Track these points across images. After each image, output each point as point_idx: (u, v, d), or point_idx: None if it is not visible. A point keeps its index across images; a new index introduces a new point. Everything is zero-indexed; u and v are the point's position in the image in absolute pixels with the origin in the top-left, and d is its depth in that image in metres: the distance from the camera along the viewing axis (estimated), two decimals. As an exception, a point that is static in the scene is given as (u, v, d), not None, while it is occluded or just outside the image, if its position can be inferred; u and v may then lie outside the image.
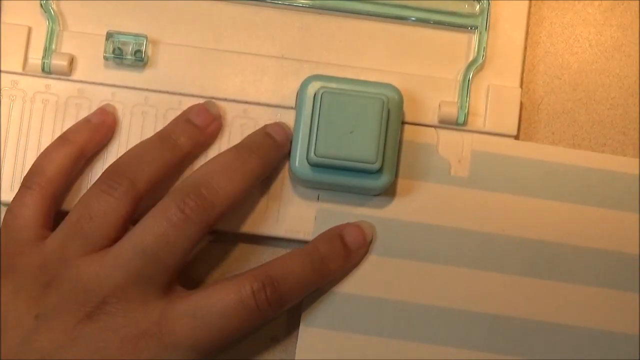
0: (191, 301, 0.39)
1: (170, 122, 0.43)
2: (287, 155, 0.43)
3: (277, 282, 0.40)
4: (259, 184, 0.43)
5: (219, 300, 0.39)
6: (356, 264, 0.43)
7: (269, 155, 0.42)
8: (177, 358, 0.39)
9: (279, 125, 0.43)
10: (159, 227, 0.39)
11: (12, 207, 0.41)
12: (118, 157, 0.43)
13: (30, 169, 0.42)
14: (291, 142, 0.43)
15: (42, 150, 0.43)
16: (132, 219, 0.40)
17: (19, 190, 0.41)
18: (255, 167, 0.41)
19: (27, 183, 0.41)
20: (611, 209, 0.44)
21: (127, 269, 0.38)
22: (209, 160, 0.42)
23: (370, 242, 0.43)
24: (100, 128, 0.43)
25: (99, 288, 0.38)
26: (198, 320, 0.39)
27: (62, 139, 0.42)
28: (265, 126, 0.43)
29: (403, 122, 0.44)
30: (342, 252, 0.42)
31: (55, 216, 0.42)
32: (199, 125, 0.43)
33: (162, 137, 0.42)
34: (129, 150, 0.42)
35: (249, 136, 0.43)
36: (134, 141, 0.43)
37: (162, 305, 0.39)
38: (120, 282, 0.38)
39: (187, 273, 0.44)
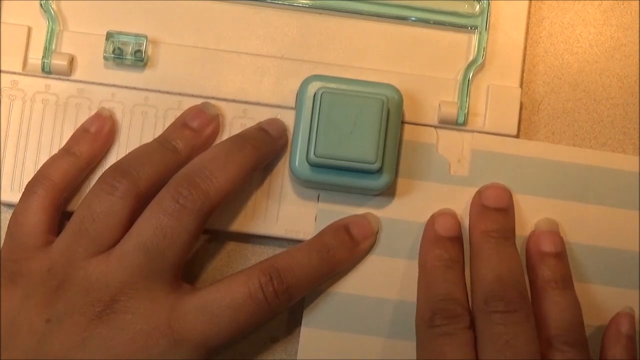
0: (200, 297, 0.39)
1: (168, 127, 0.43)
2: (283, 149, 0.44)
3: (284, 274, 0.40)
4: (256, 182, 0.43)
5: (227, 295, 0.39)
6: (363, 255, 0.43)
7: (262, 146, 0.42)
8: (187, 354, 0.39)
9: (273, 120, 0.44)
10: (156, 220, 0.39)
11: (16, 213, 0.41)
12: (118, 157, 0.43)
13: (35, 175, 0.42)
14: (286, 136, 0.43)
15: (41, 151, 0.43)
16: (135, 218, 0.40)
17: (23, 194, 0.41)
18: (249, 156, 0.41)
19: (32, 188, 0.41)
20: (611, 207, 0.44)
21: (132, 266, 0.39)
22: (203, 152, 0.42)
23: (377, 232, 0.43)
24: (98, 136, 0.43)
25: (107, 287, 0.39)
26: (207, 315, 0.39)
27: (66, 151, 0.42)
28: (260, 122, 0.44)
29: (403, 122, 0.44)
30: (349, 243, 0.42)
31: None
32: (196, 128, 0.43)
33: (161, 142, 0.42)
34: (129, 153, 0.42)
35: (244, 130, 0.43)
36: (134, 141, 0.43)
37: (170, 302, 0.39)
38: (126, 279, 0.39)
39: (188, 273, 0.44)
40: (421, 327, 0.41)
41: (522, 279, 0.41)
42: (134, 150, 0.42)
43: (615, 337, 0.42)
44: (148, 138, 0.43)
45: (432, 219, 0.43)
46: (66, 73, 0.44)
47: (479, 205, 0.43)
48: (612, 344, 0.42)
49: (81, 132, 0.43)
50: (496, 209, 0.43)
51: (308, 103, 0.42)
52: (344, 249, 0.42)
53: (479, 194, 0.43)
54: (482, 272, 0.41)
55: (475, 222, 0.43)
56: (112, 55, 0.43)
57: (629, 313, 0.43)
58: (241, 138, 0.42)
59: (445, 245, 0.42)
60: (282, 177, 0.44)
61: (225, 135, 0.44)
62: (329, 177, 0.42)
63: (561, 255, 0.43)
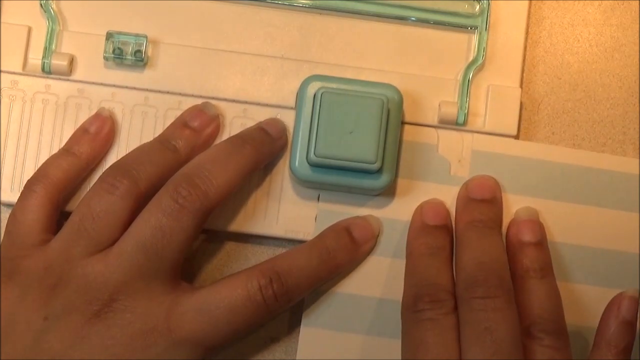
0: (198, 297, 0.39)
1: (168, 127, 0.43)
2: (282, 150, 0.44)
3: (284, 277, 0.40)
4: (256, 182, 0.43)
5: (226, 296, 0.39)
6: (364, 258, 0.43)
7: (262, 146, 0.42)
8: (185, 354, 0.39)
9: (273, 120, 0.44)
10: (155, 220, 0.39)
11: (15, 210, 0.41)
12: (118, 157, 0.43)
13: (35, 174, 0.42)
14: (286, 136, 0.43)
15: (42, 151, 0.43)
16: (134, 217, 0.40)
17: (22, 192, 0.41)
18: (249, 157, 0.41)
19: (31, 186, 0.41)
20: (611, 209, 0.44)
21: (130, 264, 0.39)
22: (203, 152, 0.42)
23: (378, 235, 0.43)
24: (98, 136, 0.43)
25: (105, 286, 0.38)
26: (205, 316, 0.39)
27: (66, 151, 0.42)
28: (260, 122, 0.44)
29: (403, 122, 0.44)
30: (350, 246, 0.42)
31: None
32: (196, 128, 0.43)
33: (161, 141, 0.42)
34: (129, 152, 0.42)
35: (243, 130, 0.43)
36: (134, 141, 0.43)
37: (169, 301, 0.39)
38: (125, 278, 0.39)
39: (188, 272, 0.44)
40: (405, 313, 0.41)
41: (504, 266, 0.41)
42: (134, 150, 0.42)
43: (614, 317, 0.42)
44: (148, 138, 0.43)
45: (420, 208, 0.43)
46: (66, 73, 0.44)
47: (465, 198, 0.43)
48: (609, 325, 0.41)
49: (81, 132, 0.43)
50: (481, 200, 0.43)
51: (308, 103, 0.42)
52: (345, 251, 0.42)
53: (465, 186, 0.43)
54: (463, 260, 0.41)
55: (460, 214, 0.43)
56: (112, 55, 0.43)
57: (633, 296, 0.42)
58: (241, 138, 0.42)
59: (432, 233, 0.42)
60: (282, 177, 0.44)
61: (225, 135, 0.44)
62: (329, 177, 0.42)
63: (541, 243, 0.43)
